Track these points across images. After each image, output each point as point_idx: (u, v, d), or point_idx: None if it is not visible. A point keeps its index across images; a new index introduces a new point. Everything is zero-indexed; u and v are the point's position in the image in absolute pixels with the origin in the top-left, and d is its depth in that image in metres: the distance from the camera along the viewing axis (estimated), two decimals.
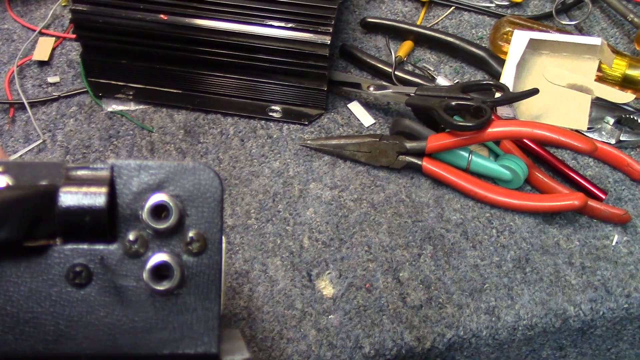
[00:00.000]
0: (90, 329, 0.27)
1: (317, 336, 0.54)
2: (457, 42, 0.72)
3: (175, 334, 0.27)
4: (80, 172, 0.27)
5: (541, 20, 0.75)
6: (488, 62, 0.70)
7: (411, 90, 0.65)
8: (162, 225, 0.27)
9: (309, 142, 0.66)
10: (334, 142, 0.65)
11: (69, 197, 0.26)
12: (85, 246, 0.27)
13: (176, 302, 0.27)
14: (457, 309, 0.56)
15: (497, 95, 0.64)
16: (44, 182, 0.27)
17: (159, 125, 0.67)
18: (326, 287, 0.57)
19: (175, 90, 0.68)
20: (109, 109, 0.68)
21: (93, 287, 0.27)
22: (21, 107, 0.68)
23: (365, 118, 0.68)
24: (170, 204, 0.27)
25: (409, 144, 0.63)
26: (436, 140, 0.62)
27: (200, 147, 0.66)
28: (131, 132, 0.67)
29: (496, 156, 0.65)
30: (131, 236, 0.27)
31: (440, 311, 0.56)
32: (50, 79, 0.70)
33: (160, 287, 0.27)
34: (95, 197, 0.26)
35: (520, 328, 0.56)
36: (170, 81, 0.68)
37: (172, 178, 0.28)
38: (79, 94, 0.69)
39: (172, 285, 0.27)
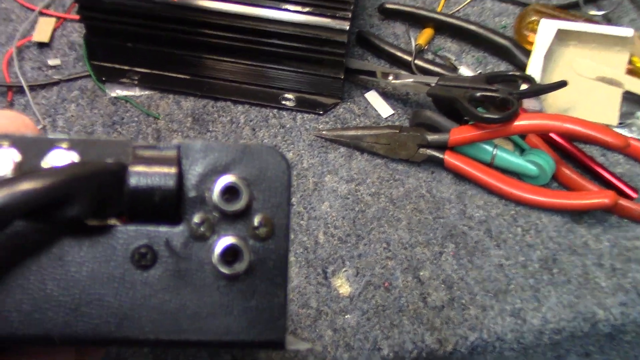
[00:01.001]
0: (153, 313, 0.27)
1: (334, 337, 0.53)
2: (480, 30, 0.71)
3: (240, 321, 0.28)
4: (148, 152, 0.28)
5: (568, 10, 0.74)
6: (512, 52, 0.70)
7: (432, 80, 0.64)
8: (231, 208, 0.28)
9: (324, 132, 0.65)
10: (351, 133, 0.64)
11: (139, 176, 0.26)
12: (150, 227, 0.27)
13: (242, 288, 0.28)
14: (480, 311, 0.55)
15: (523, 87, 0.63)
16: (109, 160, 0.27)
17: (166, 112, 0.66)
18: (342, 285, 0.56)
19: (183, 76, 0.68)
20: (113, 94, 0.67)
21: (157, 270, 0.27)
22: (20, 90, 0.67)
23: (384, 108, 0.67)
24: (241, 185, 0.28)
25: (430, 136, 0.62)
26: (459, 133, 0.61)
27: (210, 135, 0.65)
28: (136, 119, 0.66)
29: (522, 151, 0.64)
30: (197, 219, 0.28)
31: (463, 312, 0.55)
32: (51, 62, 0.69)
33: (229, 271, 0.27)
34: (166, 178, 0.27)
35: (547, 332, 0.55)
36: (178, 66, 0.67)
37: (238, 160, 0.28)
38: (81, 78, 0.68)
39: (241, 269, 0.28)
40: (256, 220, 0.28)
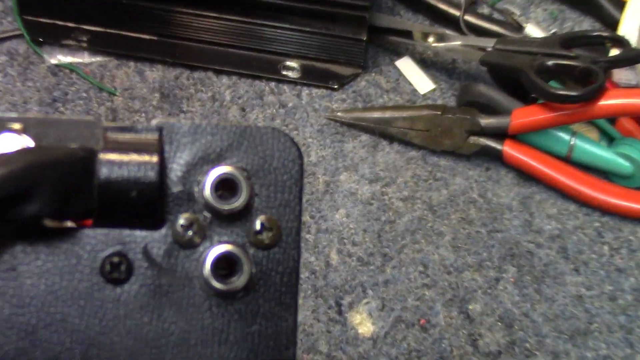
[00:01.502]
0: (129, 339, 0.28)
1: None
2: None
3: (238, 350, 0.29)
4: (122, 135, 0.29)
5: None
6: (600, 3, 0.70)
7: (488, 43, 0.64)
8: (227, 207, 0.29)
9: (339, 114, 0.65)
10: (376, 115, 0.65)
11: (111, 166, 0.27)
12: (125, 231, 0.28)
13: (241, 308, 0.29)
14: (551, 359, 0.55)
15: (614, 52, 0.63)
16: (74, 146, 0.28)
17: (125, 86, 0.67)
18: (363, 323, 0.57)
19: (148, 36, 0.68)
20: (53, 61, 0.68)
21: (134, 284, 0.28)
22: None
23: (421, 82, 0.67)
24: (239, 178, 0.29)
25: (485, 120, 0.63)
26: (524, 116, 0.61)
27: (184, 117, 0.65)
28: (84, 95, 0.66)
29: (610, 140, 0.64)
30: (183, 220, 0.29)
31: None
32: None
33: (224, 287, 0.28)
34: (145, 168, 0.28)
35: None
36: (142, 23, 0.68)
37: (236, 146, 0.29)
38: (10, 38, 0.69)
39: (239, 284, 0.28)
40: (258, 223, 0.29)
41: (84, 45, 0.68)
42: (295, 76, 0.67)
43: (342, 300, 0.58)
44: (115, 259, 0.29)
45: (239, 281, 0.29)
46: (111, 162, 0.27)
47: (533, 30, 0.69)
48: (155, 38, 0.68)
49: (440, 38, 0.67)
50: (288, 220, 0.30)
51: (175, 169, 0.29)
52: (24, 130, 0.28)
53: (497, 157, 0.63)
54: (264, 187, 0.30)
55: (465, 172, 0.64)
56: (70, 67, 0.68)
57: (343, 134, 0.65)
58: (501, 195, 0.63)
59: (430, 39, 0.67)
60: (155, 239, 0.29)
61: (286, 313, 0.29)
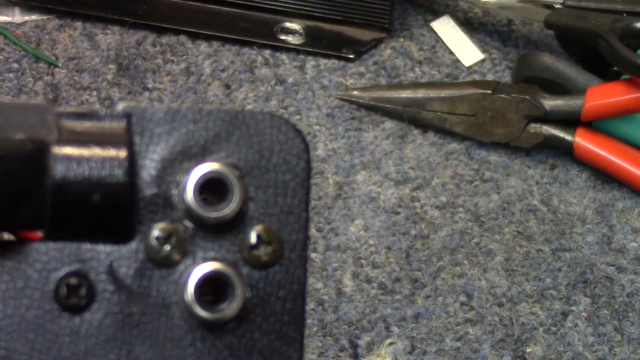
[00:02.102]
0: None
1: None
2: None
3: None
4: (80, 123, 0.30)
5: None
6: None
7: None
8: (214, 214, 0.30)
9: (355, 93, 0.69)
10: (405, 94, 0.69)
11: (67, 163, 0.29)
12: (85, 245, 0.30)
13: (232, 343, 0.31)
14: None
15: None
16: (20, 136, 0.29)
17: (69, 55, 0.71)
18: None
19: None
20: None
21: (96, 313, 0.30)
22: None
23: (466, 50, 0.72)
24: (230, 177, 0.30)
25: (550, 102, 0.66)
26: (602, 96, 0.65)
27: (148, 97, 0.69)
28: (15, 66, 0.71)
29: None
30: (158, 231, 0.31)
31: None
32: None
33: (209, 316, 0.30)
34: (110, 165, 0.29)
35: None
36: None
37: (225, 137, 0.31)
38: None
39: (228, 313, 0.30)
40: (254, 235, 0.31)
41: None
42: (297, 42, 0.72)
43: (358, 340, 0.61)
44: (73, 281, 0.30)
45: (229, 308, 0.30)
46: (68, 158, 0.29)
47: None
48: None
49: None
50: (291, 231, 0.31)
51: (148, 167, 0.31)
52: None
53: (566, 151, 0.67)
54: (261, 189, 0.31)
55: (524, 171, 0.67)
56: None
57: (361, 119, 0.69)
58: (571, 202, 0.66)
59: None
60: (123, 256, 0.30)
61: (289, 349, 0.31)
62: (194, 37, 0.72)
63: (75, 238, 0.30)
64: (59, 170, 0.29)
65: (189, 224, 0.31)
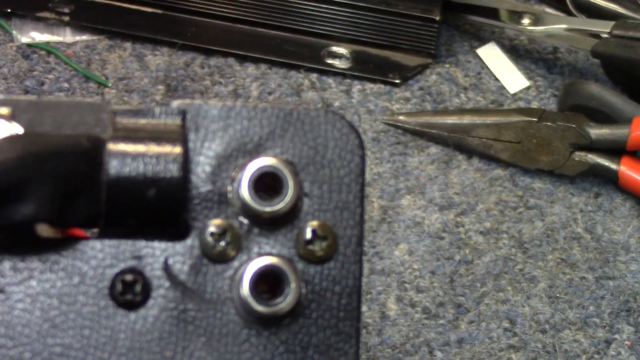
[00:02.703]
0: None
1: None
2: None
3: None
4: (135, 120, 0.31)
5: None
6: None
7: (603, 27, 0.68)
8: (269, 209, 0.31)
9: (401, 118, 0.70)
10: (451, 120, 0.69)
11: (122, 160, 0.30)
12: (140, 242, 0.31)
13: (287, 338, 0.31)
14: None
15: None
16: (78, 134, 0.30)
17: (119, 75, 0.72)
18: None
19: (150, 9, 0.74)
20: (25, 40, 0.73)
21: (152, 309, 0.31)
22: None
23: (511, 77, 0.72)
24: (285, 173, 0.31)
25: (596, 131, 0.67)
26: None
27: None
28: (65, 85, 0.72)
29: None
30: (214, 227, 0.31)
31: None
32: None
33: (265, 310, 0.30)
34: (165, 161, 0.30)
35: None
36: None
37: (279, 134, 0.32)
38: None
39: (284, 307, 0.31)
40: (309, 230, 0.32)
41: (66, 19, 0.73)
42: (343, 66, 0.72)
43: None
44: (129, 277, 0.31)
45: (285, 302, 0.31)
46: (123, 154, 0.30)
47: None
48: (159, 11, 0.74)
49: (538, 19, 0.71)
50: (346, 226, 0.32)
51: (203, 163, 0.31)
52: (13, 116, 0.30)
53: (610, 180, 0.68)
54: (316, 184, 0.32)
55: (568, 199, 0.68)
56: (48, 48, 0.73)
57: (406, 144, 0.70)
58: (615, 230, 0.67)
59: (525, 21, 0.71)
60: (178, 252, 0.31)
61: (345, 345, 0.31)
62: (242, 59, 0.73)
63: (130, 235, 0.31)
64: (113, 167, 0.29)
65: (244, 220, 0.31)
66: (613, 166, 0.67)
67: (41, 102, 0.31)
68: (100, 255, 0.31)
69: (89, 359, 0.30)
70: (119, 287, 0.30)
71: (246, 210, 0.31)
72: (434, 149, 0.70)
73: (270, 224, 0.32)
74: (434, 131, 0.70)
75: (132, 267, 0.31)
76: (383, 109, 0.71)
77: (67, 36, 0.74)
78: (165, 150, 0.30)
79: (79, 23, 0.74)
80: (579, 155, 0.67)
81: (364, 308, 0.63)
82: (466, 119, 0.69)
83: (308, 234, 0.31)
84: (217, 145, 0.31)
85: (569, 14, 0.73)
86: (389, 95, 0.72)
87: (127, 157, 0.30)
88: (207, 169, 0.31)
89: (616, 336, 0.63)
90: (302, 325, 0.31)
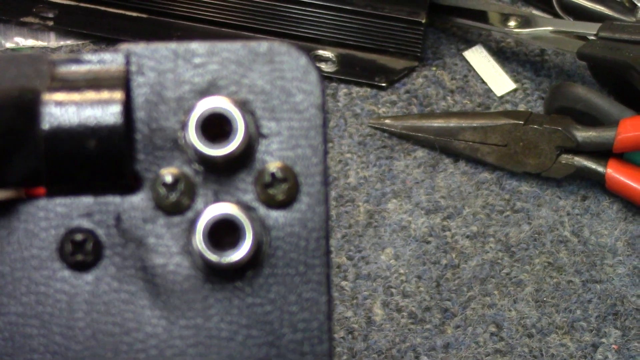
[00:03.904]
0: (101, 344, 0.29)
1: None
2: None
3: (252, 346, 0.30)
4: (75, 68, 0.30)
5: None
6: None
7: (590, 29, 0.68)
8: (220, 152, 0.29)
9: (387, 121, 0.70)
10: (437, 123, 0.69)
11: (60, 110, 0.29)
12: (88, 198, 0.30)
13: (250, 292, 0.30)
14: None
15: None
16: (10, 86, 0.29)
17: None
18: None
19: (135, 13, 0.74)
20: (9, 45, 0.74)
21: (105, 270, 0.30)
22: None
23: (498, 80, 0.72)
24: (236, 111, 0.30)
25: (582, 134, 0.67)
26: (634, 128, 0.65)
27: None
28: None
29: None
30: (167, 175, 0.30)
31: None
32: None
33: (225, 261, 0.30)
34: (104, 108, 0.29)
35: None
36: None
37: (233, 71, 0.31)
38: None
39: (243, 257, 0.30)
40: (268, 173, 0.30)
41: (50, 23, 0.74)
42: (329, 70, 0.73)
43: None
44: (79, 236, 0.30)
45: (240, 252, 0.29)
46: (59, 104, 0.29)
47: None
48: (144, 16, 0.74)
49: (525, 22, 0.71)
50: (308, 165, 0.31)
51: (151, 108, 0.30)
52: None
53: (597, 183, 0.68)
54: (274, 122, 0.31)
55: (555, 202, 0.68)
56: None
57: (392, 148, 0.70)
58: (602, 234, 0.67)
59: (512, 23, 0.71)
60: (130, 206, 0.30)
61: (315, 293, 0.30)
62: None
63: (78, 191, 0.30)
64: (49, 118, 0.28)
65: (197, 165, 0.30)
66: (600, 169, 0.67)
67: None
68: (49, 215, 0.30)
69: (47, 327, 0.30)
70: (69, 247, 0.30)
71: (198, 155, 0.30)
72: (420, 153, 0.70)
73: (225, 170, 0.31)
74: (420, 135, 0.70)
75: (81, 227, 0.30)
76: (369, 112, 0.71)
77: (51, 41, 0.75)
78: (104, 97, 0.29)
79: (63, 28, 0.74)
80: (566, 158, 0.67)
81: (349, 313, 0.64)
82: (453, 122, 0.69)
83: (267, 177, 0.31)
84: (166, 89, 0.30)
85: (556, 16, 0.73)
86: (375, 99, 0.72)
87: (64, 107, 0.29)
88: (155, 113, 0.30)
89: (603, 340, 0.63)
90: (267, 275, 0.30)
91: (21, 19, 0.74)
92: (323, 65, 0.73)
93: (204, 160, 0.30)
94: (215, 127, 0.30)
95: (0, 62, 0.30)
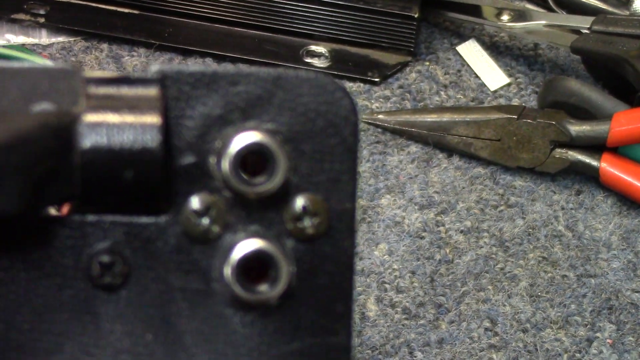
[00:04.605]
0: None
1: None
2: None
3: None
4: (110, 89, 0.29)
5: None
6: None
7: (583, 23, 0.68)
8: (258, 189, 0.29)
9: (381, 116, 0.70)
10: (430, 118, 0.69)
11: (97, 131, 0.28)
12: (119, 219, 0.30)
13: (278, 322, 0.30)
14: None
15: None
16: (46, 106, 0.29)
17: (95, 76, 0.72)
18: None
19: (127, 10, 0.74)
20: (0, 42, 0.73)
21: (133, 291, 0.30)
22: None
23: (492, 74, 0.72)
24: (275, 149, 0.29)
25: (576, 128, 0.67)
26: (629, 122, 0.65)
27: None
28: None
29: None
30: (196, 203, 0.30)
31: None
32: None
33: (254, 297, 0.30)
34: (144, 132, 0.28)
35: None
36: None
37: (267, 100, 0.30)
38: None
39: (275, 292, 0.30)
40: (299, 205, 0.30)
41: (41, 20, 0.74)
42: (322, 65, 0.73)
43: None
44: (105, 259, 0.29)
45: (275, 290, 0.30)
46: (98, 127, 0.28)
47: None
48: (136, 12, 0.74)
49: (519, 16, 0.71)
50: (339, 200, 0.30)
51: (185, 133, 0.30)
52: None
53: (591, 177, 0.68)
54: (306, 156, 0.30)
55: (549, 197, 0.68)
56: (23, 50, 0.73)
57: (386, 143, 0.70)
58: (597, 228, 0.67)
59: (505, 17, 0.71)
60: (159, 229, 0.30)
61: (338, 325, 0.31)
62: (220, 59, 0.73)
63: (107, 211, 0.29)
64: (88, 142, 0.28)
65: (228, 194, 0.30)
66: (594, 163, 0.67)
67: (6, 70, 0.29)
68: (76, 235, 0.29)
69: (68, 345, 0.30)
70: (97, 269, 0.30)
71: (231, 186, 0.30)
72: (413, 148, 0.70)
73: (257, 200, 0.30)
74: (413, 130, 0.70)
75: (110, 247, 0.30)
76: (362, 107, 0.71)
77: (42, 38, 0.74)
78: (144, 121, 0.29)
79: (54, 25, 0.74)
80: (560, 152, 0.67)
81: None
82: (446, 117, 0.69)
83: (298, 210, 0.30)
84: (200, 114, 0.30)
85: (549, 10, 0.73)
86: (369, 94, 0.72)
87: (103, 130, 0.28)
88: (190, 139, 0.30)
89: (598, 334, 0.63)
90: (291, 306, 0.31)
91: (12, 16, 0.74)
92: (316, 61, 0.73)
93: (236, 191, 0.30)
94: (253, 160, 0.30)
95: (31, 75, 0.29)
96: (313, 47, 0.73)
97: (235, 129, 0.30)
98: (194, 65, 0.30)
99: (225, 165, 0.29)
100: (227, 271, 0.30)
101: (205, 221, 0.30)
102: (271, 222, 0.30)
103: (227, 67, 0.32)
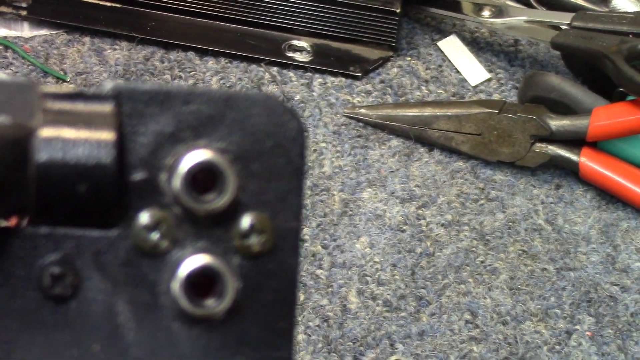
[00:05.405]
0: None
1: None
2: None
3: None
4: (68, 104, 0.30)
5: None
6: None
7: (563, 19, 0.69)
8: (207, 207, 0.30)
9: (362, 111, 0.71)
10: (412, 112, 0.70)
11: (52, 147, 0.28)
12: (71, 231, 0.30)
13: (222, 338, 0.31)
14: None
15: None
16: (2, 119, 0.29)
17: (78, 70, 0.73)
18: None
19: (109, 3, 0.74)
20: None
21: (82, 302, 0.30)
22: None
23: (472, 69, 0.73)
24: (225, 168, 0.30)
25: (556, 122, 0.68)
26: (608, 117, 0.66)
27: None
28: None
29: None
30: (146, 218, 0.30)
31: None
32: None
33: (200, 312, 0.30)
34: (99, 148, 0.29)
35: None
36: None
37: (217, 119, 0.31)
38: None
39: (220, 308, 0.30)
40: (246, 223, 0.31)
41: (23, 13, 0.74)
42: (304, 59, 0.73)
43: (362, 356, 0.62)
44: (56, 270, 0.30)
45: (221, 305, 0.30)
46: (51, 142, 0.28)
47: (622, 3, 0.74)
48: (118, 5, 0.74)
49: (499, 11, 0.72)
50: (285, 219, 0.31)
51: (137, 150, 0.30)
52: None
53: (571, 171, 0.69)
54: (254, 175, 0.31)
55: (529, 191, 0.69)
56: (5, 43, 0.73)
57: (367, 137, 0.71)
58: (576, 222, 0.68)
59: (486, 13, 0.72)
60: (110, 243, 0.30)
61: (281, 340, 0.31)
62: (202, 53, 0.74)
63: (60, 224, 0.30)
64: (43, 155, 0.28)
65: (178, 210, 0.30)
66: (573, 157, 0.68)
67: None
68: (29, 246, 0.30)
69: (18, 354, 0.30)
70: (47, 279, 0.30)
71: (180, 202, 0.30)
72: (395, 142, 0.70)
73: (205, 217, 0.31)
74: (395, 124, 0.70)
75: (61, 258, 0.30)
76: (344, 102, 0.72)
77: (24, 31, 0.74)
78: (98, 137, 0.29)
79: (36, 17, 0.74)
80: (540, 146, 0.68)
81: (324, 301, 0.64)
82: (427, 112, 0.70)
83: (245, 228, 0.31)
84: (152, 131, 0.30)
85: (529, 6, 0.74)
86: (350, 89, 0.73)
87: (58, 145, 0.28)
88: (142, 155, 0.30)
89: (577, 327, 0.64)
90: (236, 321, 0.31)
91: None
92: (298, 55, 0.73)
93: (185, 207, 0.30)
94: (203, 178, 0.30)
95: None
96: (295, 42, 0.74)
97: (186, 146, 0.30)
98: (148, 83, 0.30)
99: (176, 182, 0.30)
100: (175, 285, 0.30)
101: (155, 236, 0.30)
102: (219, 239, 0.31)
103: (181, 87, 0.32)
